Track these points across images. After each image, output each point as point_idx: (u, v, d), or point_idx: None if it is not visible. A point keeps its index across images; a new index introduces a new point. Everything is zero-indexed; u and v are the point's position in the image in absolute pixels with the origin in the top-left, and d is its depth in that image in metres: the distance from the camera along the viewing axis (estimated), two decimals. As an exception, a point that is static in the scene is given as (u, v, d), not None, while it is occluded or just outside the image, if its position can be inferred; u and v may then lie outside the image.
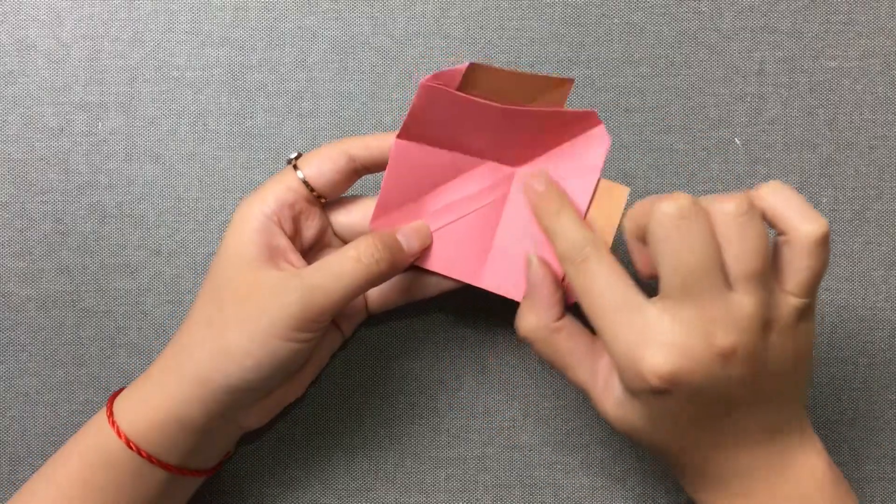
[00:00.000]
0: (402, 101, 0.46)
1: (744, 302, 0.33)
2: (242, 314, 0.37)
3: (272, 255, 0.38)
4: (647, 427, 0.36)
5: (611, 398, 0.37)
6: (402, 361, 0.45)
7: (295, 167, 0.39)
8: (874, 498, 0.46)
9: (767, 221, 0.35)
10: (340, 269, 0.37)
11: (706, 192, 0.46)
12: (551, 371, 0.45)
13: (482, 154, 0.40)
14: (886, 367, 0.46)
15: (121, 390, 0.40)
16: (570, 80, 0.38)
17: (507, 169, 0.41)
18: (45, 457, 0.44)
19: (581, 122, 0.39)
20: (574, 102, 0.46)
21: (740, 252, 0.33)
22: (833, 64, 0.47)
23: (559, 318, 0.38)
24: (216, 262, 0.39)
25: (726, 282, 0.34)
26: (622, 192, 0.39)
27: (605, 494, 0.45)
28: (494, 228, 0.41)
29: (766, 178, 0.46)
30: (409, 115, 0.38)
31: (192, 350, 0.38)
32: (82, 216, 0.45)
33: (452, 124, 0.39)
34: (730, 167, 0.46)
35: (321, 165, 0.39)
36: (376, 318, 0.44)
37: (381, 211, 0.40)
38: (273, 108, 0.46)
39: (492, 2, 0.46)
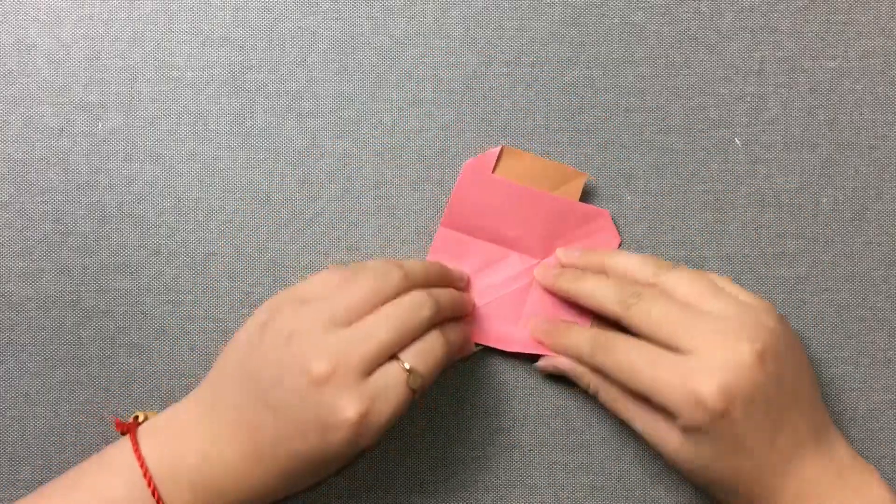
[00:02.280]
0: (402, 101, 0.46)
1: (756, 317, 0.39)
2: None
3: None
4: (716, 460, 0.38)
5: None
6: (402, 361, 0.45)
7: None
8: (874, 498, 0.46)
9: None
10: None
11: (706, 192, 0.46)
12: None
13: (512, 245, 0.45)
14: (886, 367, 0.46)
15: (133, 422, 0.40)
16: (584, 175, 0.45)
17: (531, 260, 0.46)
18: (45, 457, 0.44)
19: (595, 220, 0.45)
20: (574, 102, 0.46)
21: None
22: (833, 64, 0.47)
23: None
24: None
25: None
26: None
27: (605, 494, 0.45)
28: (522, 305, 0.45)
29: (767, 178, 0.46)
30: (453, 196, 0.44)
31: None
32: (82, 216, 0.45)
33: (489, 211, 0.45)
34: (730, 167, 0.46)
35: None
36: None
37: None
38: (273, 108, 0.46)
39: (492, 2, 0.46)
